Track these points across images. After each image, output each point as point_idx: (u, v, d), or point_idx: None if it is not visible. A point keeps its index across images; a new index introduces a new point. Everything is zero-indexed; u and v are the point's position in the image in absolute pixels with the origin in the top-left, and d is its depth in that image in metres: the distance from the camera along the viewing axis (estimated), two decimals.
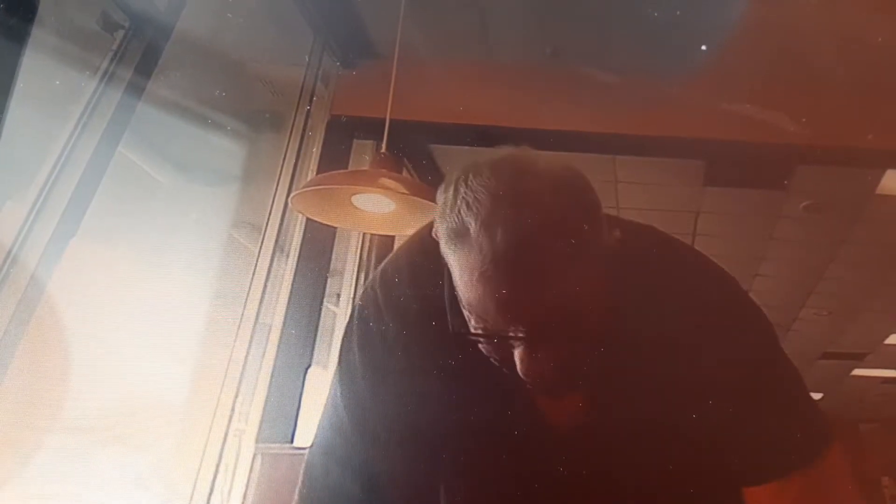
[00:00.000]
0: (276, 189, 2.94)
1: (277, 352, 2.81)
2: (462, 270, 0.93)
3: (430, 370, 1.09)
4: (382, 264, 1.20)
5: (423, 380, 1.10)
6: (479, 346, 0.99)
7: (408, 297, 1.12)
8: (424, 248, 1.15)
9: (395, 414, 1.12)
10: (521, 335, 0.93)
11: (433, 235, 1.00)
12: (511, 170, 0.96)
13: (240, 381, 2.66)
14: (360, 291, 3.32)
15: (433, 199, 2.53)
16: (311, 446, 1.19)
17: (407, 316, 1.11)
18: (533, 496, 1.09)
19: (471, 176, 0.94)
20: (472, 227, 0.91)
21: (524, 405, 1.07)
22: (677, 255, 1.15)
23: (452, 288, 0.99)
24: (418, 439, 1.11)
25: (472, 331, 0.97)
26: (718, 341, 1.04)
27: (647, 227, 1.14)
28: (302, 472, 1.17)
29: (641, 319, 1.01)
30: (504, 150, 1.00)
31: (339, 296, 3.29)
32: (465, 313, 0.97)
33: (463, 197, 0.93)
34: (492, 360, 1.00)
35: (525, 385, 1.01)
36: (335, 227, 2.97)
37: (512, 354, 0.95)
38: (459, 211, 0.93)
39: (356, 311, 1.17)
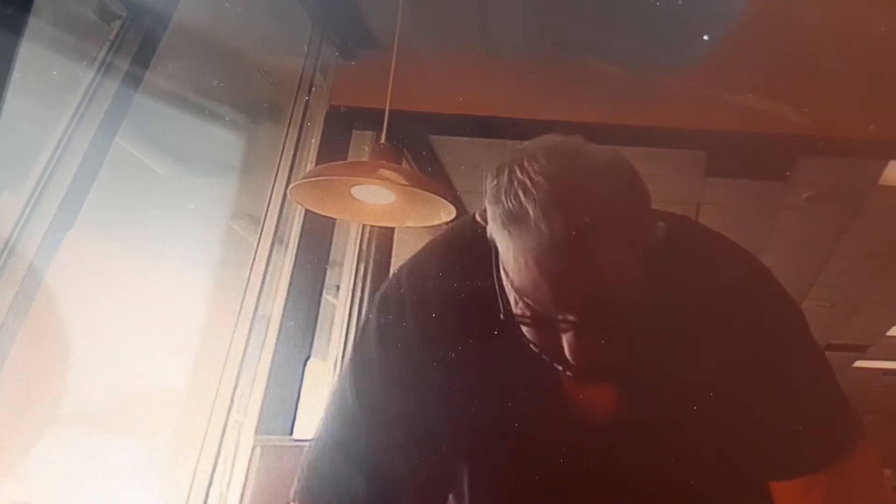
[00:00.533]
0: (275, 180, 2.93)
1: (277, 343, 2.80)
2: (517, 253, 0.93)
3: (455, 364, 1.09)
4: (407, 261, 1.19)
5: (447, 373, 1.09)
6: (524, 331, 0.99)
7: (434, 292, 1.11)
8: (451, 246, 1.18)
9: (414, 408, 1.10)
10: (572, 319, 0.93)
11: (478, 219, 1.01)
12: (567, 156, 0.97)
13: (239, 373, 2.65)
14: (358, 283, 3.33)
15: (432, 190, 2.53)
16: (315, 439, 1.17)
17: (433, 310, 1.11)
18: (561, 490, 1.09)
19: (525, 161, 0.94)
20: (532, 210, 0.91)
21: (554, 397, 1.06)
22: (715, 246, 1.16)
23: (499, 273, 0.99)
24: (434, 437, 1.10)
25: (522, 310, 0.96)
26: (754, 334, 1.04)
27: (685, 218, 1.16)
28: (304, 464, 1.16)
29: (681, 309, 1.01)
30: (555, 137, 1.01)
31: (338, 287, 3.29)
32: (513, 298, 0.97)
33: (520, 180, 0.93)
34: (532, 346, 0.99)
35: (558, 376, 1.02)
36: (334, 219, 2.96)
37: (558, 340, 0.95)
38: (517, 194, 0.92)
39: (377, 305, 1.16)
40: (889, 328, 6.21)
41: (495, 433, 1.09)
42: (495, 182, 0.96)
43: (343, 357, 3.21)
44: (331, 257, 3.18)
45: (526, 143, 0.99)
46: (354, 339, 1.17)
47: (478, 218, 1.01)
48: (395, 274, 1.18)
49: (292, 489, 1.16)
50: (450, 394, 1.09)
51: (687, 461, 1.04)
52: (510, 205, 0.93)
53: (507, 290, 0.98)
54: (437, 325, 1.10)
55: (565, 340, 0.94)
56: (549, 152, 0.96)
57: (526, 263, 0.92)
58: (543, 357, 0.99)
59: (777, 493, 1.08)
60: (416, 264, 1.18)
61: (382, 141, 2.54)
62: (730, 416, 1.02)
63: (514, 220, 0.92)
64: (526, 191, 0.92)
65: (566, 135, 1.01)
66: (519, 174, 0.93)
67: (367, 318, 1.16)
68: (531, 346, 1.00)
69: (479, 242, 1.02)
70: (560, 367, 0.99)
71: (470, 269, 1.07)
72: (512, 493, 1.13)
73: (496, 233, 0.96)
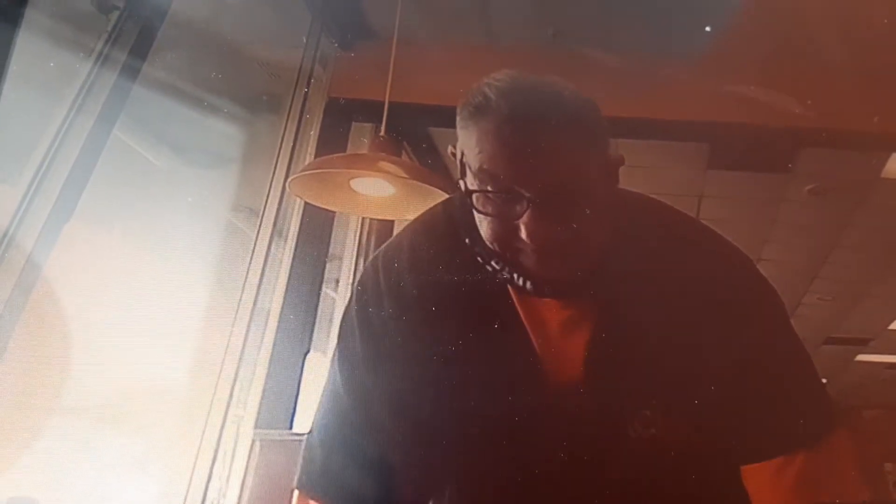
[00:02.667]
0: (274, 172, 2.92)
1: (276, 337, 2.80)
2: (479, 135, 1.00)
3: (431, 354, 1.10)
4: (382, 247, 1.21)
5: (424, 363, 1.10)
6: (486, 248, 1.04)
7: (407, 282, 1.12)
8: (425, 232, 1.19)
9: (397, 397, 1.12)
10: (528, 195, 0.98)
11: (449, 152, 1.08)
12: (529, 76, 1.05)
13: (238, 367, 2.65)
14: (359, 275, 3.32)
15: (432, 183, 2.51)
16: (310, 432, 1.18)
17: (407, 299, 1.12)
18: (524, 453, 1.10)
19: (492, 76, 1.03)
20: (494, 96, 0.99)
21: (523, 364, 1.08)
22: (692, 229, 1.20)
23: (473, 228, 1.04)
24: (422, 423, 1.11)
25: (480, 186, 1.01)
26: (729, 313, 1.06)
27: (660, 202, 1.21)
28: (301, 457, 1.17)
29: (654, 280, 1.05)
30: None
31: (337, 281, 3.28)
32: (476, 182, 1.02)
33: (486, 83, 1.02)
34: (495, 263, 1.04)
35: (530, 359, 1.05)
36: (334, 212, 2.96)
37: (517, 235, 1.00)
38: (481, 91, 1.01)
39: (355, 295, 1.18)
40: (891, 322, 6.20)
41: (473, 424, 1.10)
42: (464, 99, 1.03)
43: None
44: (330, 250, 3.17)
45: None
46: (339, 329, 1.18)
47: (449, 151, 1.08)
48: (371, 260, 1.20)
49: (295, 477, 1.17)
50: (431, 377, 1.11)
51: (654, 439, 1.04)
52: (475, 100, 1.01)
53: (471, 197, 1.02)
54: (414, 308, 1.12)
55: (523, 220, 0.99)
56: (511, 71, 1.04)
57: (486, 139, 0.99)
58: (505, 275, 1.04)
59: (748, 476, 1.08)
60: (389, 248, 1.21)
61: (382, 133, 2.54)
62: (699, 389, 1.03)
63: (478, 110, 1.00)
64: (489, 87, 1.01)
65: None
66: (484, 81, 1.02)
67: (348, 307, 1.18)
68: (493, 264, 1.05)
69: (450, 218, 1.10)
70: (521, 281, 1.03)
71: (442, 246, 1.12)
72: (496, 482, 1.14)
73: (462, 134, 1.03)
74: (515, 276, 1.03)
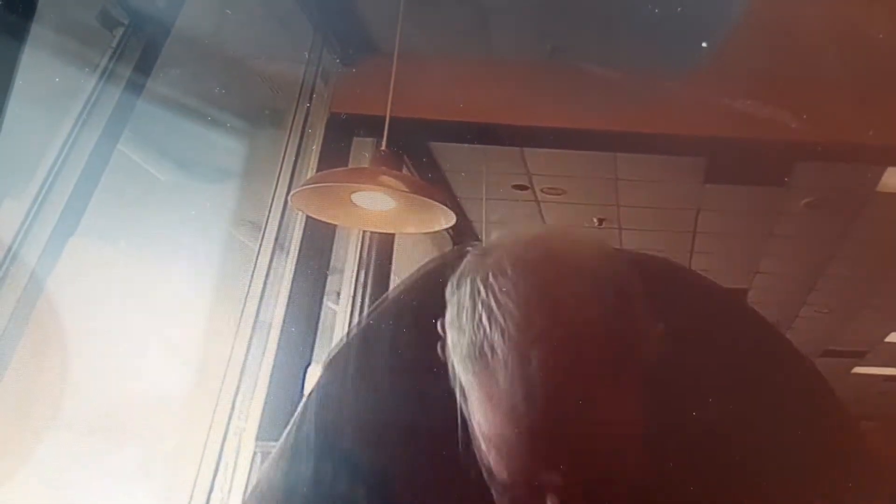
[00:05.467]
0: (276, 186, 2.94)
1: (277, 350, 2.80)
2: (484, 398, 0.76)
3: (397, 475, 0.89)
4: (368, 312, 1.02)
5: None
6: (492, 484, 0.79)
7: (386, 375, 0.93)
8: (411, 303, 0.97)
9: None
10: (557, 482, 0.75)
11: (438, 329, 0.82)
12: (539, 265, 0.79)
13: (240, 379, 2.66)
14: (359, 289, 3.32)
15: (433, 197, 2.54)
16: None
17: (378, 400, 0.92)
18: None
19: (490, 275, 0.77)
20: (500, 346, 0.74)
21: None
22: (712, 299, 0.96)
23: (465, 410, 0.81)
24: None
25: (494, 469, 0.77)
26: (767, 399, 0.87)
27: (666, 262, 1.00)
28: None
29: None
30: (525, 235, 0.84)
31: (339, 294, 3.29)
32: (483, 444, 0.78)
33: (484, 302, 0.76)
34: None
35: None
36: (335, 225, 2.96)
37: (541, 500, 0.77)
38: (480, 321, 0.76)
39: (324, 367, 0.99)
40: (888, 334, 6.20)
41: None
42: (455, 297, 0.80)
43: None
44: (331, 264, 3.18)
45: (491, 240, 0.83)
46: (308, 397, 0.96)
47: (438, 328, 0.82)
48: (349, 331, 1.04)
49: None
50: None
51: None
52: (472, 334, 0.76)
53: (472, 433, 0.79)
54: (378, 426, 0.90)
55: None
56: (517, 261, 0.78)
57: (496, 412, 0.76)
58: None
59: None
60: (372, 321, 0.99)
61: (383, 147, 2.55)
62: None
63: (479, 354, 0.76)
64: (491, 317, 0.75)
65: (538, 231, 0.88)
66: (482, 292, 0.77)
67: (317, 383, 0.98)
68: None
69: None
70: None
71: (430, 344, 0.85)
72: None
73: (458, 365, 0.79)
74: None
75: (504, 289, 0.76)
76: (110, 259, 2.47)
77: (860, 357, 6.71)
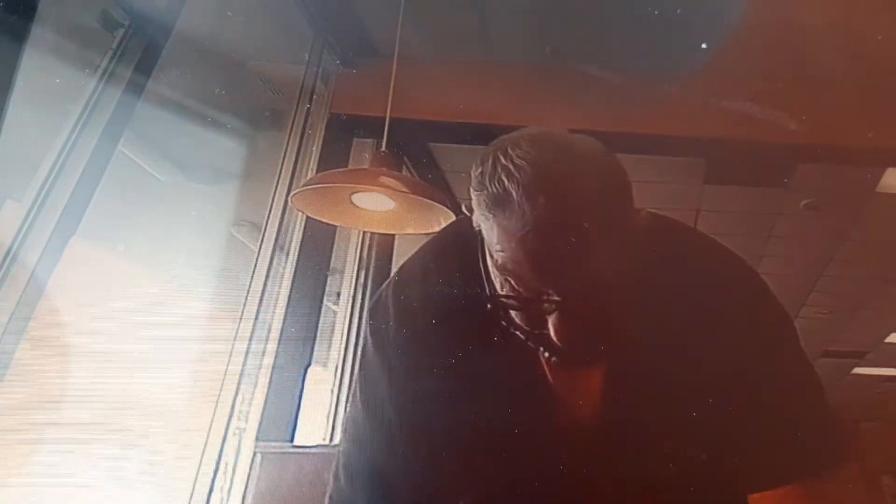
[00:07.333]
0: (276, 187, 2.94)
1: (277, 350, 2.80)
2: (501, 235, 0.96)
3: (443, 371, 1.10)
4: (395, 271, 1.22)
5: (437, 381, 1.10)
6: (511, 316, 1.01)
7: (421, 297, 1.13)
8: (436, 248, 1.20)
9: (411, 415, 1.12)
10: (555, 298, 0.95)
11: (464, 210, 1.04)
12: (550, 143, 1.00)
13: (240, 380, 2.66)
14: (359, 290, 3.34)
15: (433, 198, 2.53)
16: (340, 447, 1.20)
17: (420, 316, 1.12)
18: (545, 491, 1.09)
19: (509, 148, 0.97)
20: (515, 192, 0.93)
21: (542, 394, 1.07)
22: (707, 249, 1.17)
23: (485, 259, 1.02)
24: (434, 440, 1.11)
25: (509, 289, 0.98)
26: (739, 338, 1.05)
27: (674, 221, 1.18)
28: (332, 476, 1.18)
29: (669, 310, 1.03)
30: (538, 127, 1.03)
31: (339, 294, 3.29)
32: (498, 282, 0.99)
33: (504, 165, 0.95)
34: (519, 333, 1.01)
35: (544, 371, 1.04)
36: (335, 226, 2.97)
37: (544, 323, 0.98)
38: (501, 179, 0.95)
39: (368, 314, 1.19)
40: (888, 335, 6.20)
41: (488, 437, 1.09)
42: (479, 170, 0.99)
43: (343, 364, 3.21)
44: (331, 264, 3.18)
45: (510, 133, 1.02)
46: (360, 350, 1.19)
47: (464, 209, 1.04)
48: (386, 282, 1.20)
49: (326, 495, 1.19)
50: (446, 398, 1.10)
51: (668, 467, 1.04)
52: (494, 189, 0.95)
53: (493, 276, 1.01)
54: (426, 331, 1.12)
55: (551, 323, 0.97)
56: (532, 140, 0.98)
57: (510, 244, 0.95)
58: (530, 344, 1.01)
59: None
60: (403, 271, 1.20)
61: (383, 148, 2.55)
62: (713, 420, 1.02)
63: (498, 203, 0.95)
64: (509, 175, 0.95)
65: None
66: (503, 160, 0.96)
67: (364, 329, 1.18)
68: (518, 333, 1.02)
69: (464, 241, 1.06)
70: (547, 354, 1.01)
71: (455, 269, 1.10)
72: (502, 494, 1.13)
73: (481, 218, 0.99)
74: (541, 349, 1.01)
75: (519, 154, 0.96)
76: (110, 260, 2.47)
77: (860, 358, 6.71)
